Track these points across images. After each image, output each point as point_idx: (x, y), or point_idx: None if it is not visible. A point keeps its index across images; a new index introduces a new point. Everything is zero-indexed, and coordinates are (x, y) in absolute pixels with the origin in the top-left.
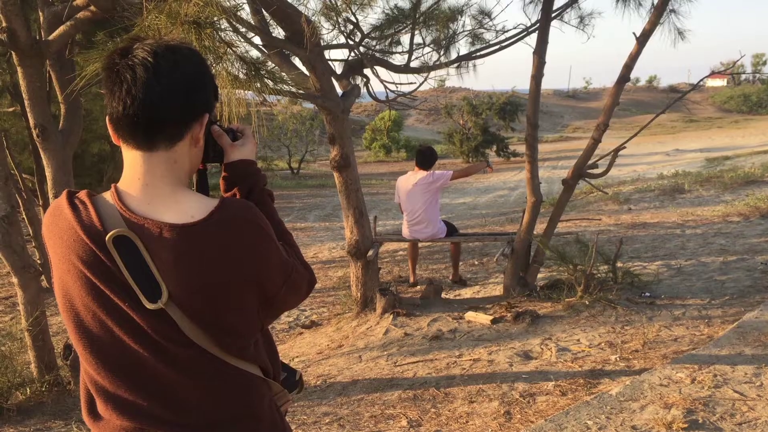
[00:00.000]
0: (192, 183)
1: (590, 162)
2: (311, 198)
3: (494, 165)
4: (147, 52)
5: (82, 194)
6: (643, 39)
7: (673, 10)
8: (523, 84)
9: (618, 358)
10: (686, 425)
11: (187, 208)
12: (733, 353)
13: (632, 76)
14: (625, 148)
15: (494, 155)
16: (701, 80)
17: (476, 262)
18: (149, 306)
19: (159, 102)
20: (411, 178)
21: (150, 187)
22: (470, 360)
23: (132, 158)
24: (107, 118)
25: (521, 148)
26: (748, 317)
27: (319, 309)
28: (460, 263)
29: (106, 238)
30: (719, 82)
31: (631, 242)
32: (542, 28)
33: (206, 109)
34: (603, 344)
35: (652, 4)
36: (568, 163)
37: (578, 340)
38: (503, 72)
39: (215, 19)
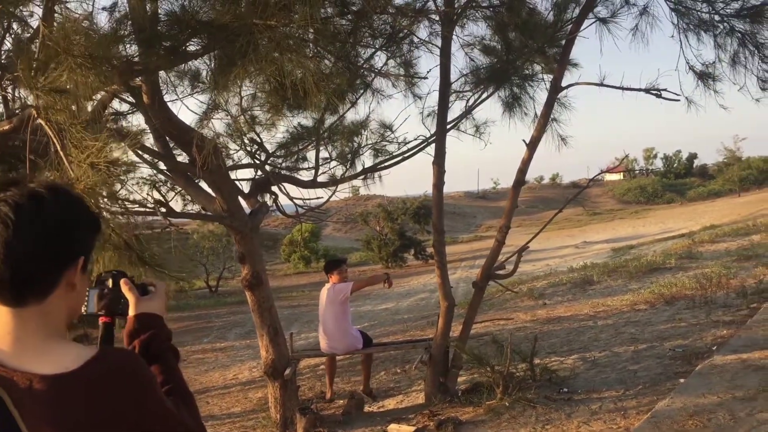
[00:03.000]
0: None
1: (500, 262)
2: (231, 315)
3: (412, 268)
4: (9, 206)
5: None
6: (532, 145)
7: (554, 119)
8: None
9: None
10: None
11: (60, 359)
12: None
13: (537, 174)
14: (528, 248)
15: (413, 258)
16: (590, 181)
17: (398, 370)
18: None
19: (21, 261)
20: (324, 290)
21: (21, 339)
22: None
23: (2, 314)
24: None
25: None
26: (660, 406)
27: None
28: (382, 371)
29: None
30: (616, 176)
31: (547, 337)
32: (439, 140)
33: (81, 252)
34: None
35: (535, 114)
36: (484, 262)
37: None
38: (415, 177)
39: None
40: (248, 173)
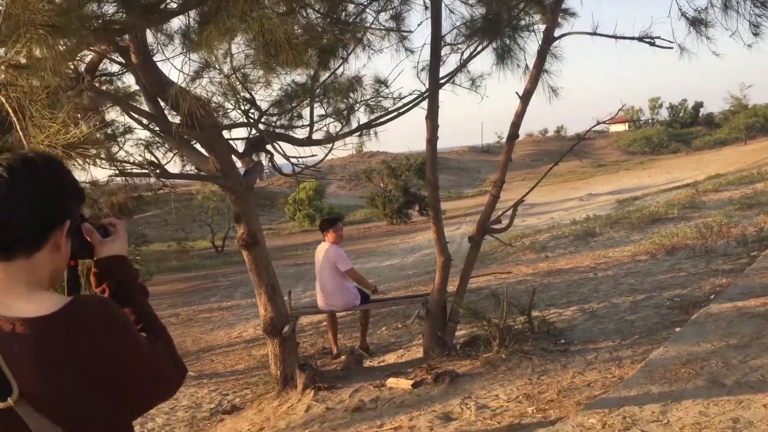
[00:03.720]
0: (62, 280)
1: (497, 216)
2: (238, 275)
3: (417, 224)
4: (3, 168)
5: None
6: (525, 97)
7: (545, 70)
8: (438, 144)
9: (534, 410)
10: None
11: (41, 304)
12: (641, 393)
13: (542, 127)
14: (524, 201)
15: (417, 214)
16: (586, 133)
17: (399, 326)
18: None
19: (12, 220)
20: (321, 248)
21: (6, 291)
22: (391, 429)
23: None
24: None
25: (443, 206)
26: (655, 355)
27: (243, 391)
28: (383, 327)
29: None
30: (621, 127)
31: (547, 290)
32: (432, 94)
33: (66, 216)
34: (521, 397)
35: (527, 65)
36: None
37: (497, 395)
38: (417, 133)
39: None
40: (243, 132)
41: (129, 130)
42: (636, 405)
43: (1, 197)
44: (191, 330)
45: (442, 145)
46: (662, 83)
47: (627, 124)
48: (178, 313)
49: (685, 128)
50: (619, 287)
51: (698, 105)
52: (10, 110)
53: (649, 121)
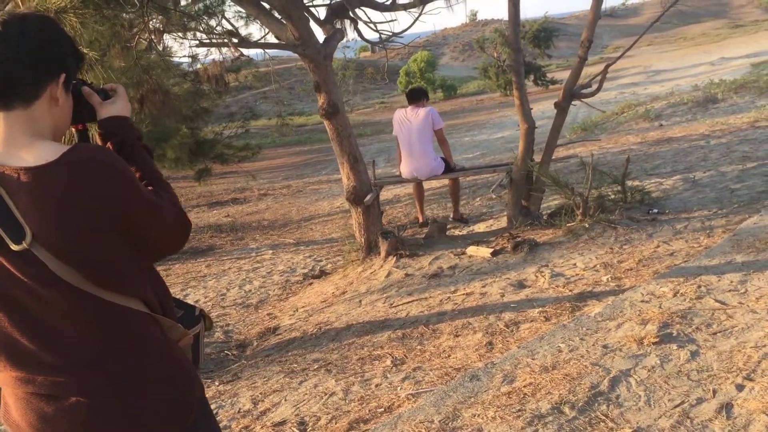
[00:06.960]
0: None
1: (588, 79)
2: None
3: (531, 95)
4: None
5: None
6: None
7: None
8: (556, 8)
9: (609, 278)
10: (657, 339)
11: (42, 153)
12: (723, 262)
13: None
14: (614, 63)
15: (532, 84)
16: None
17: (493, 196)
18: (15, 248)
19: (6, 65)
20: (411, 111)
21: (9, 140)
22: (463, 294)
23: None
24: None
25: (560, 75)
26: (747, 224)
27: (335, 258)
28: (477, 198)
29: None
30: None
31: (651, 159)
32: None
33: (61, 69)
34: (598, 266)
35: None
36: (609, 84)
37: (574, 264)
38: None
39: None
40: None
41: None
42: (715, 274)
43: None
44: (298, 200)
45: (559, 9)
46: None
47: None
48: (290, 185)
49: None
50: (730, 155)
51: None
52: None
53: None
